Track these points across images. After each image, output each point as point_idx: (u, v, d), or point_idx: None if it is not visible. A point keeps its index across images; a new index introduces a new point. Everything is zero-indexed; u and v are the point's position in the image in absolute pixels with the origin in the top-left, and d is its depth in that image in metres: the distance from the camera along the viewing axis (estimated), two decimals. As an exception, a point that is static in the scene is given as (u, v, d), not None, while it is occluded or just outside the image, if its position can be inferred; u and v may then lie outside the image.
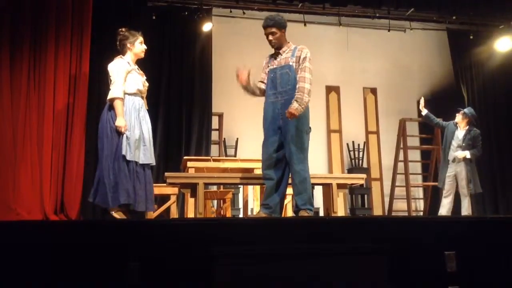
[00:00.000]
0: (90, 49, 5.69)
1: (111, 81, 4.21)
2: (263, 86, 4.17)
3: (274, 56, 4.15)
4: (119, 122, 4.11)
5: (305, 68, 3.97)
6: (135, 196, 4.09)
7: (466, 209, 6.07)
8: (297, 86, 3.93)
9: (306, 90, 3.90)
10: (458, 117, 6.25)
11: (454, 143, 6.20)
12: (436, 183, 7.85)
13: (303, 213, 3.93)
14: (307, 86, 3.92)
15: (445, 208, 6.15)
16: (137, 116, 4.22)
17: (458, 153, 6.09)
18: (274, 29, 4.01)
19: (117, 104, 4.13)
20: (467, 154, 6.04)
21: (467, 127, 6.21)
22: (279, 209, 4.12)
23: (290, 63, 4.00)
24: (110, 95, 4.16)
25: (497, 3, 7.48)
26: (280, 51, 4.08)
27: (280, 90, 4.00)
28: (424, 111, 6.40)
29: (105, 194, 4.04)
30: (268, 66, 4.13)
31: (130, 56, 4.36)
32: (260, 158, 4.26)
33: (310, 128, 4.04)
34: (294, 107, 3.82)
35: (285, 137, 3.96)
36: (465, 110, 6.30)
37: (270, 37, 4.03)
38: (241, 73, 4.04)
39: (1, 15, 5.22)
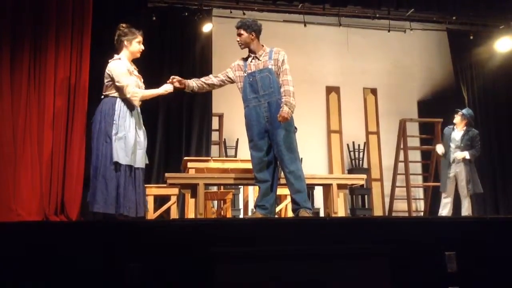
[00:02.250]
0: (90, 50, 5.68)
1: (115, 84, 4.09)
2: (214, 80, 4.30)
3: (248, 60, 4.20)
4: (163, 89, 4.26)
5: (286, 70, 4.09)
6: (123, 202, 4.03)
7: (466, 210, 6.06)
8: (282, 90, 4.04)
9: (292, 93, 4.02)
10: (457, 118, 6.25)
11: (452, 144, 6.19)
12: (436, 183, 7.87)
13: (303, 213, 3.96)
14: (291, 88, 4.04)
15: (445, 209, 6.15)
16: (132, 119, 4.15)
17: (457, 154, 6.09)
18: (240, 31, 4.17)
19: (147, 96, 4.22)
20: (466, 154, 6.04)
21: (465, 128, 6.21)
22: (274, 209, 4.23)
23: (269, 66, 4.09)
24: (134, 98, 4.11)
25: (497, 3, 7.48)
26: (257, 55, 4.16)
27: (262, 94, 4.08)
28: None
29: (92, 196, 4.01)
30: (244, 70, 4.18)
31: (125, 54, 4.24)
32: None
33: (296, 128, 4.14)
34: (286, 111, 3.92)
35: (274, 139, 4.03)
36: (463, 111, 6.29)
37: (237, 38, 4.19)
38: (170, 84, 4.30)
39: (1, 15, 5.22)
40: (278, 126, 3.99)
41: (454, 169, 6.14)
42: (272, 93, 4.05)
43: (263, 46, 4.21)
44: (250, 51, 4.20)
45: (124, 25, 4.31)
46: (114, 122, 4.05)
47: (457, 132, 6.22)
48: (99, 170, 4.01)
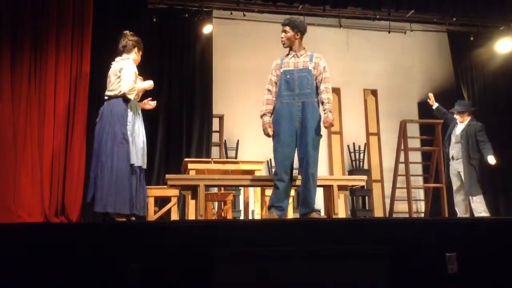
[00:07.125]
0: (90, 50, 5.68)
1: (119, 77, 4.30)
2: (274, 94, 4.23)
3: (288, 57, 4.23)
4: (146, 84, 4.43)
5: (328, 78, 4.18)
6: (135, 202, 4.13)
7: (482, 210, 5.75)
8: (325, 97, 4.12)
9: (332, 101, 4.16)
10: (457, 117, 6.13)
11: (453, 138, 6.05)
12: (437, 185, 7.87)
13: (315, 215, 4.01)
14: (331, 97, 4.17)
15: (460, 207, 5.94)
16: (140, 121, 4.31)
17: (490, 159, 5.81)
18: (286, 28, 4.19)
19: (141, 89, 4.35)
20: (490, 159, 5.77)
21: (468, 120, 6.03)
22: (287, 210, 4.29)
23: (309, 68, 4.13)
24: (132, 92, 4.26)
25: (497, 4, 7.47)
26: (297, 54, 4.18)
27: (298, 93, 4.10)
28: (435, 105, 6.31)
29: (104, 197, 4.07)
30: (281, 67, 4.18)
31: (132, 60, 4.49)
32: (261, 159, 4.32)
33: (321, 134, 4.25)
34: (331, 118, 4.08)
35: (304, 139, 4.08)
36: (457, 107, 6.11)
37: (282, 35, 4.21)
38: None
39: (1, 15, 5.22)
40: (310, 127, 4.06)
41: (456, 167, 5.96)
42: (309, 94, 4.09)
43: (304, 48, 4.24)
44: (291, 50, 4.22)
45: (132, 32, 4.54)
46: (129, 124, 4.16)
47: (459, 125, 6.06)
48: (115, 172, 4.08)
